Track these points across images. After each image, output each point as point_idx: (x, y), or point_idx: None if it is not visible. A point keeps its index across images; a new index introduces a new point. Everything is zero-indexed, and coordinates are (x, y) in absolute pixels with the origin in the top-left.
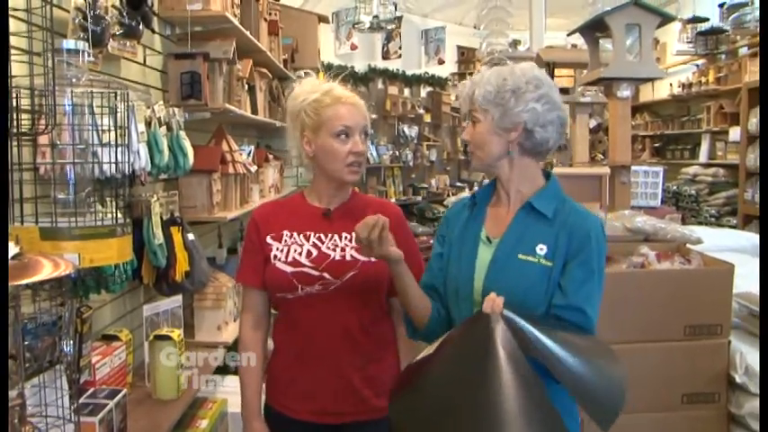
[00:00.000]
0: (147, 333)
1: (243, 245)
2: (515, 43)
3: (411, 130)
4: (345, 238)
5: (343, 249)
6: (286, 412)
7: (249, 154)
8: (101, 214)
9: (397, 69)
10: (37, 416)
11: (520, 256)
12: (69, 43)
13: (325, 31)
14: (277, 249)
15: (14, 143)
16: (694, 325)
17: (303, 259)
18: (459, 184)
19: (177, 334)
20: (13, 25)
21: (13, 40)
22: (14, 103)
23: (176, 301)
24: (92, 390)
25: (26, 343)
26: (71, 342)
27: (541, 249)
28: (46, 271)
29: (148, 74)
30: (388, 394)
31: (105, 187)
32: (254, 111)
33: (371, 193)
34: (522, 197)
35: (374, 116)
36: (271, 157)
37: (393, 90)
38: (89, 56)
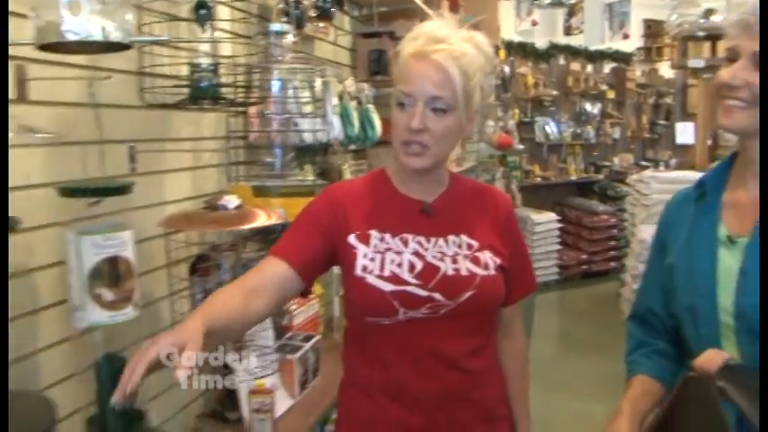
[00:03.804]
0: (337, 289)
1: (298, 221)
2: (709, 13)
3: (593, 107)
4: (453, 243)
5: (454, 260)
6: None
7: None
8: (301, 176)
9: (580, 45)
10: (248, 342)
11: None
12: (276, 26)
13: (505, 7)
14: (366, 257)
15: (232, 116)
16: None
17: (405, 274)
18: (643, 162)
19: None
20: (229, 13)
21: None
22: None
23: None
24: (290, 333)
25: None
26: None
27: None
28: (261, 219)
29: (339, 52)
30: (495, 417)
31: (304, 154)
32: None
33: (551, 170)
34: None
35: (555, 92)
36: None
37: (575, 66)
38: (292, 36)
